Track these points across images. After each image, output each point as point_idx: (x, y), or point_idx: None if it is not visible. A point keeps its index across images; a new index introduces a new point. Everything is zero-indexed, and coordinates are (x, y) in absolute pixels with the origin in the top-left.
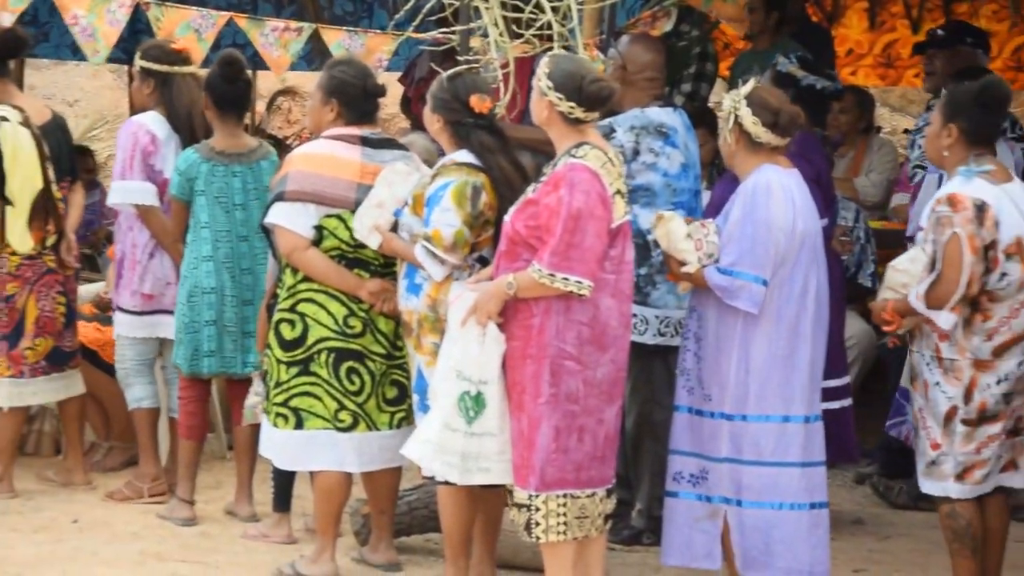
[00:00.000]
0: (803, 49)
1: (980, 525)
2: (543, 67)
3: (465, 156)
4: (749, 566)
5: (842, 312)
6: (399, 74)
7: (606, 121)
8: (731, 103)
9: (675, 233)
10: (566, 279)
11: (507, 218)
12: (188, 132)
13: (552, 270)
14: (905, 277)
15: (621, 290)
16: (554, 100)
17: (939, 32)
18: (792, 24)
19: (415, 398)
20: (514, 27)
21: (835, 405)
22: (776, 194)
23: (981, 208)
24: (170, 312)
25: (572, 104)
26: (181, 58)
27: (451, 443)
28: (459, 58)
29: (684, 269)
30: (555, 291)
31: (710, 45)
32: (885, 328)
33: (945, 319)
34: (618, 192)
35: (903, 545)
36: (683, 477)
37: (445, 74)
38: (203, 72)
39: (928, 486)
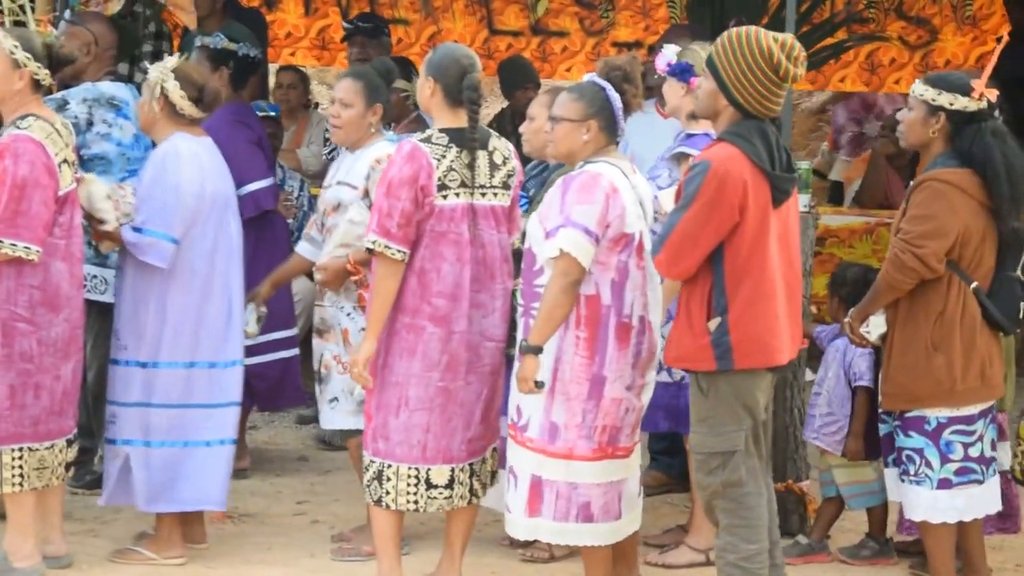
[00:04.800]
0: (247, 31)
1: None
2: (10, 40)
3: None
4: (154, 500)
5: None
6: None
7: (60, 94)
8: (158, 75)
9: (95, 194)
10: (14, 245)
11: None
12: None
13: (0, 237)
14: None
15: (72, 253)
16: (34, 69)
17: (364, 24)
18: (233, 9)
19: None
20: None
21: (285, 354)
22: (185, 160)
23: None
24: None
25: (47, 72)
26: None
27: None
28: None
29: (103, 227)
30: (4, 257)
31: (164, 26)
32: (353, 278)
33: None
34: (65, 161)
35: (342, 478)
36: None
37: None
38: None
39: (340, 422)
